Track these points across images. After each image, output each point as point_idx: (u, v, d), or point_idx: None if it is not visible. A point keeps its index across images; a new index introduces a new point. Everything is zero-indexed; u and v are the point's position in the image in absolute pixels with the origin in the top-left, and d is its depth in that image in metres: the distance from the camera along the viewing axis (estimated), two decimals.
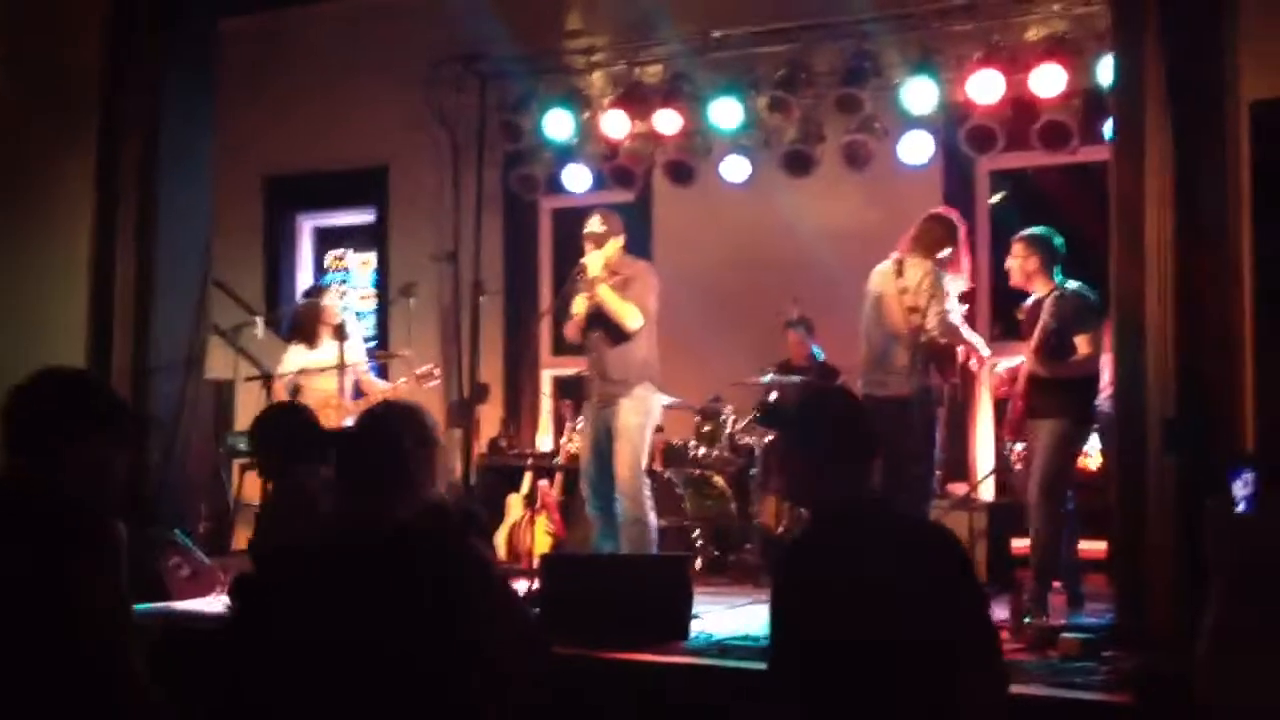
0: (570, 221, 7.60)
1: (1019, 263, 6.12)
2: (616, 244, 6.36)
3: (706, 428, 7.81)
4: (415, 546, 2.90)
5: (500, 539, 7.86)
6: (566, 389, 8.84)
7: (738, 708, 4.17)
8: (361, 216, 9.97)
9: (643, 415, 6.24)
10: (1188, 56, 4.93)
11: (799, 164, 7.89)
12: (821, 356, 7.88)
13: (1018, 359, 6.10)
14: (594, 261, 6.26)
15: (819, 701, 2.86)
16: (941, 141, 7.69)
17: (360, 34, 9.04)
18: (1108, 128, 6.13)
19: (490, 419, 8.97)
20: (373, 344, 8.91)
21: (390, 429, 3.05)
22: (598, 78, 8.30)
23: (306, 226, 10.25)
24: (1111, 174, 5.23)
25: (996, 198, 8.25)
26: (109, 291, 6.90)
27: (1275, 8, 5.55)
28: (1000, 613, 4.66)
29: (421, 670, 2.80)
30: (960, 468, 7.70)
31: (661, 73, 8.13)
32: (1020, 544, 6.20)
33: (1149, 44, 4.99)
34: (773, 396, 7.65)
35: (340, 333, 7.40)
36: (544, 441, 9.09)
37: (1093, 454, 6.72)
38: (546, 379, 9.45)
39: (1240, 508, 3.87)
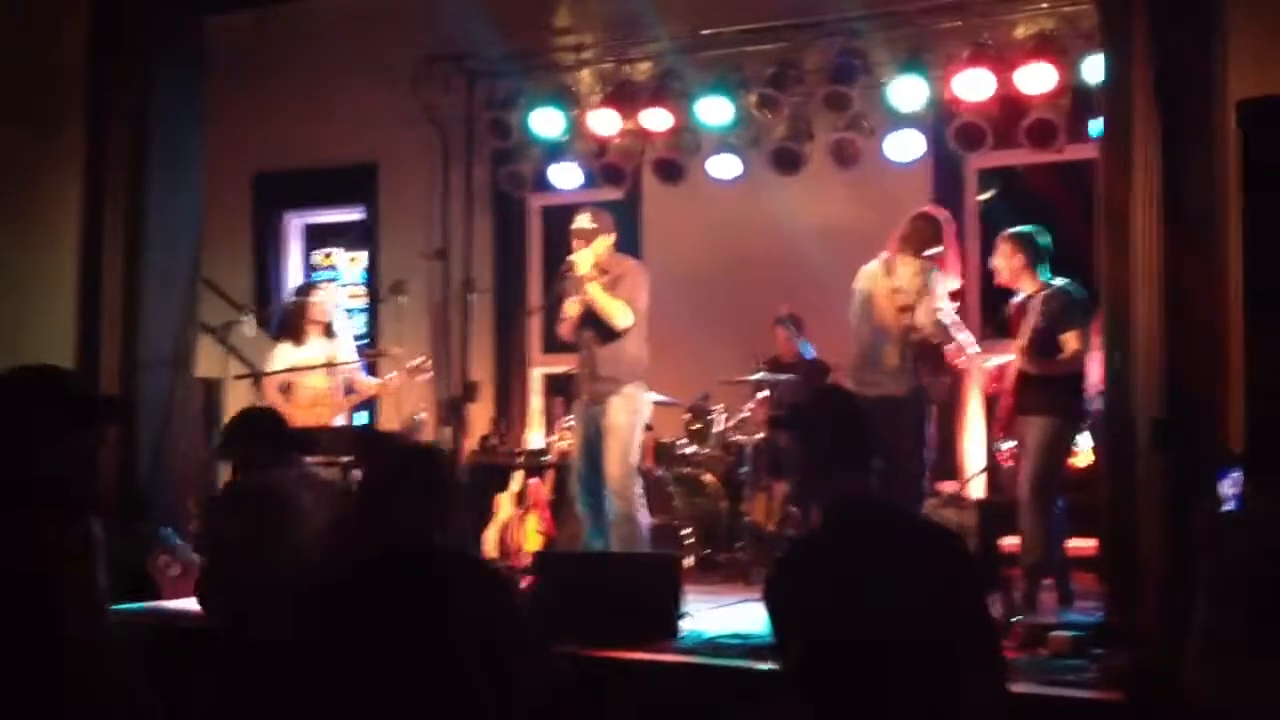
0: (560, 219, 7.58)
1: (1005, 261, 6.15)
2: (606, 242, 6.35)
3: (696, 425, 7.81)
4: (449, 563, 3.18)
5: (491, 537, 7.85)
6: (557, 386, 8.83)
7: (743, 708, 4.17)
8: (351, 214, 9.95)
9: (632, 413, 6.24)
10: (1175, 55, 4.95)
11: (788, 162, 7.88)
12: (811, 354, 7.89)
13: (1007, 357, 6.12)
14: (583, 260, 6.25)
15: (822, 701, 2.87)
16: (930, 139, 7.70)
17: (349, 32, 9.01)
18: (1095, 126, 6.15)
19: (480, 417, 8.94)
20: (363, 342, 8.89)
21: (443, 462, 3.49)
22: (586, 75, 8.28)
23: (295, 224, 10.22)
24: (1099, 172, 5.24)
25: (985, 195, 8.28)
26: (98, 290, 6.88)
27: (1262, 6, 5.56)
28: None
29: (446, 675, 2.99)
30: (950, 466, 7.71)
31: (650, 70, 8.11)
32: (1010, 542, 6.22)
33: (1137, 43, 5.00)
34: (788, 401, 7.62)
35: (328, 331, 7.38)
36: (534, 439, 9.09)
37: (1082, 452, 6.73)
38: (537, 377, 9.44)
39: (1228, 506, 3.89)
